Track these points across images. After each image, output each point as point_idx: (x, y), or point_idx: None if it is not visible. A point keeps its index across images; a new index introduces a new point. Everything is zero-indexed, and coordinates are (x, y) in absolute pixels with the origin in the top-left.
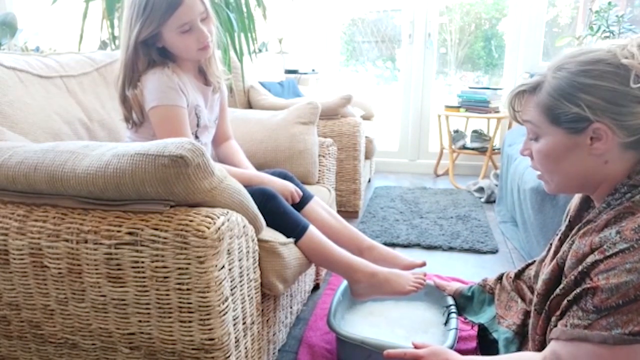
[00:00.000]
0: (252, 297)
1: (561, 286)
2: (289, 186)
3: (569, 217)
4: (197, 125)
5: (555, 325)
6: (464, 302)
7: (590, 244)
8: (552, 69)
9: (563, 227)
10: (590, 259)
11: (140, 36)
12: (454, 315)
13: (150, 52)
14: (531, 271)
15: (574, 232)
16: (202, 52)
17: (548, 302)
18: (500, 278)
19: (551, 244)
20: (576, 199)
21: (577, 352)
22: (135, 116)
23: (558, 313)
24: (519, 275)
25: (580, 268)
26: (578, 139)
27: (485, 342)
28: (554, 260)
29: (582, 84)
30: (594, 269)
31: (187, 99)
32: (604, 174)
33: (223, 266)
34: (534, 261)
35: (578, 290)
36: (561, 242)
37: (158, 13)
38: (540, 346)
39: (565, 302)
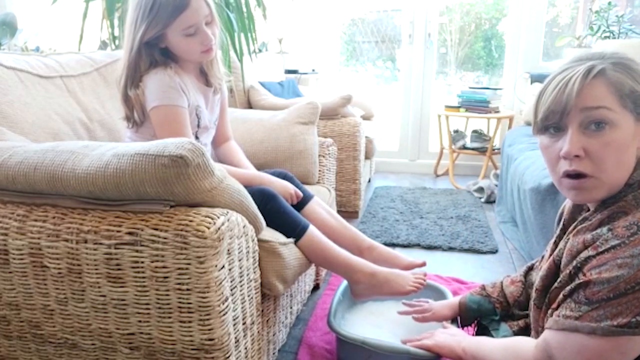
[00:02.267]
0: (252, 297)
1: (558, 280)
2: (289, 187)
3: (562, 220)
4: (198, 126)
5: (551, 316)
6: (475, 313)
7: (583, 241)
8: (595, 59)
9: (557, 231)
10: (583, 254)
11: (145, 37)
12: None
13: (152, 53)
14: (532, 277)
15: (568, 231)
16: (205, 55)
17: (547, 295)
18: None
19: (547, 250)
20: (569, 202)
21: (566, 341)
22: (137, 116)
23: (554, 306)
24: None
25: (574, 263)
26: (637, 127)
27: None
28: (550, 258)
29: (639, 69)
30: (587, 264)
31: (188, 99)
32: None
33: (223, 266)
34: (534, 265)
35: (572, 285)
36: (556, 244)
37: (164, 15)
38: None
39: (561, 296)
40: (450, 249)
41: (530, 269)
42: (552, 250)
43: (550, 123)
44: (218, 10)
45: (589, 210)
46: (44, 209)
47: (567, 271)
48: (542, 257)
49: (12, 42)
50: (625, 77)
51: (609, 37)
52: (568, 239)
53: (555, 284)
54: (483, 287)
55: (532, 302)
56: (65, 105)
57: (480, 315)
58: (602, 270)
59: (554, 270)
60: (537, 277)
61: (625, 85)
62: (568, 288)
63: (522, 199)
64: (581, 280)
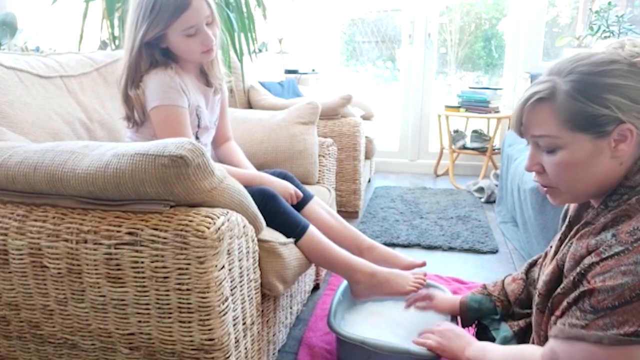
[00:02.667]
0: (252, 298)
1: (562, 285)
2: (289, 187)
3: (568, 217)
4: (198, 126)
5: (555, 324)
6: (476, 313)
7: (587, 247)
8: (560, 74)
9: (563, 228)
10: (587, 260)
11: (146, 37)
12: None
13: (153, 53)
14: (534, 273)
15: (572, 232)
16: (205, 55)
17: (550, 300)
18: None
19: (551, 246)
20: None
21: (573, 350)
22: (137, 115)
23: (558, 313)
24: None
25: (578, 269)
26: (602, 144)
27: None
28: (554, 261)
29: (607, 84)
30: (591, 271)
31: (189, 99)
32: (618, 176)
33: (223, 266)
34: (536, 261)
35: (577, 292)
36: (561, 242)
37: (165, 15)
38: (545, 341)
39: (565, 303)
40: (450, 249)
41: (532, 265)
42: (556, 252)
43: (518, 133)
44: (218, 10)
45: (593, 207)
46: (43, 209)
47: (571, 277)
48: (545, 253)
49: (12, 42)
50: (576, 100)
51: (608, 37)
52: (571, 242)
53: (558, 290)
54: (484, 286)
55: (534, 306)
56: (65, 105)
57: (480, 315)
58: (607, 277)
59: (558, 274)
60: (540, 280)
61: (571, 109)
62: (572, 296)
63: (522, 199)
64: (586, 288)
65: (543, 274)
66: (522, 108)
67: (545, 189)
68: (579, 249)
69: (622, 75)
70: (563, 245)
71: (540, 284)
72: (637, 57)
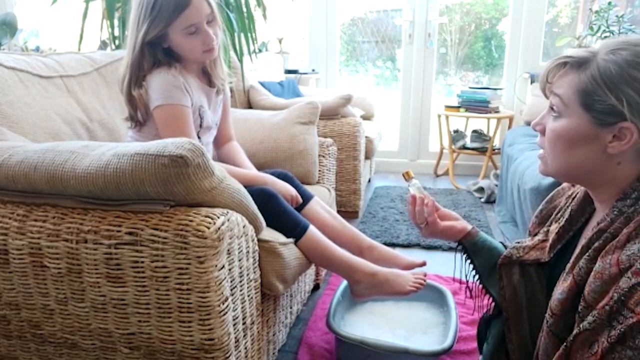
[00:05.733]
0: (252, 297)
1: (590, 319)
2: (291, 190)
3: (570, 210)
4: (200, 126)
5: None
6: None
7: (617, 264)
8: (605, 50)
9: (562, 222)
10: (624, 283)
11: (147, 37)
12: (453, 310)
13: (155, 52)
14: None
15: (585, 242)
16: (207, 54)
17: (572, 338)
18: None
19: (546, 232)
20: (580, 193)
21: None
22: (140, 115)
23: (596, 358)
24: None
25: (614, 296)
26: (600, 132)
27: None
28: (570, 277)
29: (631, 77)
30: (633, 296)
31: (192, 98)
32: (612, 175)
33: (223, 266)
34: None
35: (621, 328)
36: (559, 236)
37: (165, 14)
38: None
39: (604, 343)
40: (450, 249)
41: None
42: (552, 247)
43: (542, 90)
44: (218, 10)
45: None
46: (44, 209)
47: (607, 308)
48: (531, 238)
49: (12, 42)
50: (594, 82)
51: (608, 37)
52: (589, 255)
53: (586, 325)
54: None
55: (545, 326)
56: (65, 105)
57: (480, 256)
58: None
59: (576, 292)
60: (553, 298)
61: (587, 86)
62: (615, 333)
63: (522, 199)
64: (632, 320)
65: (556, 292)
66: (550, 65)
67: (540, 152)
68: (606, 267)
69: None
70: (580, 260)
71: (554, 303)
72: None
